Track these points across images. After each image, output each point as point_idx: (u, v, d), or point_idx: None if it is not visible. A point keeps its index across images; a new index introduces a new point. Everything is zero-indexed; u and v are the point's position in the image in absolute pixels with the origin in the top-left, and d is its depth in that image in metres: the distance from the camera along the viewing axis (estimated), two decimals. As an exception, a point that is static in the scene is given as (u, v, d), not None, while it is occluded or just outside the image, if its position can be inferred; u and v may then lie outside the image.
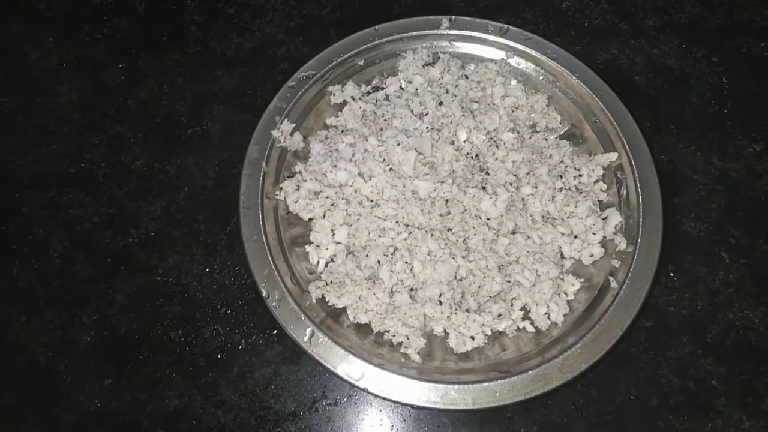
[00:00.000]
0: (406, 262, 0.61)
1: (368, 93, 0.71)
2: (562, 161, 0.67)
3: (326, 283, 0.62)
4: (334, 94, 0.70)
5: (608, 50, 0.80)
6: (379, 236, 0.63)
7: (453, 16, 0.72)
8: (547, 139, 0.69)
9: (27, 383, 0.63)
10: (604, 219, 0.65)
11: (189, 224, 0.70)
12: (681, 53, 0.80)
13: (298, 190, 0.65)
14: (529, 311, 0.62)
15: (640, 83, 0.78)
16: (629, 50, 0.80)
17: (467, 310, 0.61)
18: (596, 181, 0.67)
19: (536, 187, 0.65)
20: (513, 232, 0.64)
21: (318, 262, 0.64)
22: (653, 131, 0.74)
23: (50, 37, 0.81)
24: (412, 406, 0.57)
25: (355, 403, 0.63)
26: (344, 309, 0.62)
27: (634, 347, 0.65)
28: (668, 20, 0.82)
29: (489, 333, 0.61)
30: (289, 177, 0.66)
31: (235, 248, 0.68)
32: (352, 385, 0.57)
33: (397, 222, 0.63)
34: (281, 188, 0.65)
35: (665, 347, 0.65)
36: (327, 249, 0.64)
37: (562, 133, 0.71)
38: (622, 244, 0.62)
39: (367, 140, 0.67)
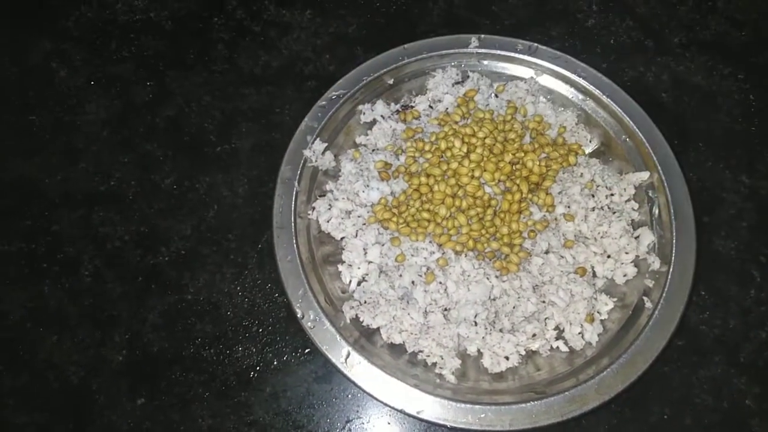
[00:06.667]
0: (440, 282, 0.61)
1: (397, 112, 0.71)
2: (593, 180, 0.67)
3: (360, 303, 0.62)
4: (364, 113, 0.70)
5: (634, 67, 0.80)
6: (412, 255, 0.63)
7: (482, 35, 0.72)
8: (577, 157, 0.69)
9: (59, 403, 0.63)
10: (636, 238, 0.65)
11: (219, 242, 0.70)
12: (707, 70, 0.80)
13: (330, 209, 0.65)
14: (563, 331, 0.62)
15: (667, 101, 0.78)
16: (655, 67, 0.80)
17: (501, 330, 0.61)
18: (628, 201, 0.67)
19: (569, 207, 0.65)
20: (546, 252, 0.64)
21: (350, 282, 0.64)
22: (681, 149, 0.74)
23: (78, 55, 0.81)
24: (446, 427, 0.57)
25: (389, 423, 0.63)
26: (377, 329, 0.62)
27: (666, 366, 0.65)
28: (694, 37, 0.83)
29: (523, 353, 0.61)
30: (320, 196, 0.67)
31: (265, 266, 0.68)
32: (389, 406, 0.57)
33: (430, 242, 0.63)
34: (313, 208, 0.65)
35: (698, 366, 0.65)
36: (359, 268, 0.64)
37: (591, 151, 0.71)
38: (655, 263, 0.62)
39: (398, 159, 0.67)
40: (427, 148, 0.66)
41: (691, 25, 0.83)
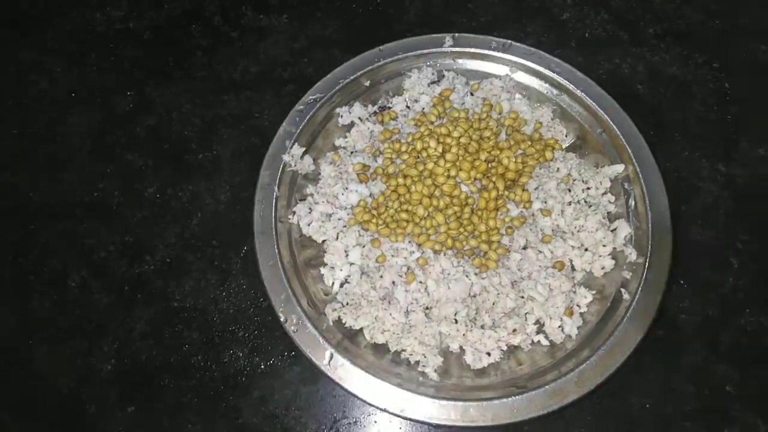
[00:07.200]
0: (420, 282, 0.62)
1: (375, 113, 0.72)
2: (569, 174, 0.68)
3: (342, 305, 0.63)
4: (341, 116, 0.71)
5: (610, 60, 0.81)
6: (393, 256, 0.64)
7: (456, 34, 0.73)
8: (554, 152, 0.70)
9: (51, 414, 0.64)
10: (613, 231, 0.65)
11: (203, 249, 0.71)
12: (682, 60, 0.81)
13: (310, 213, 0.66)
14: (543, 325, 0.63)
15: (643, 92, 0.79)
16: (631, 59, 0.81)
17: (482, 327, 0.62)
18: (604, 194, 0.68)
19: (546, 202, 0.66)
20: (524, 248, 0.64)
21: (333, 284, 0.65)
22: (657, 140, 0.75)
23: (58, 67, 0.82)
24: (431, 425, 0.58)
25: (375, 422, 0.64)
26: (360, 329, 0.63)
27: (647, 356, 0.65)
28: (668, 27, 0.83)
29: (504, 348, 0.62)
30: (301, 200, 0.67)
31: (249, 272, 0.69)
32: (372, 405, 0.58)
33: (409, 241, 0.64)
34: (294, 212, 0.66)
35: (678, 355, 0.66)
36: (341, 270, 0.64)
37: (567, 145, 0.72)
38: (632, 255, 0.63)
39: (376, 161, 0.68)
40: (403, 149, 0.67)
41: (665, 16, 0.84)
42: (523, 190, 0.66)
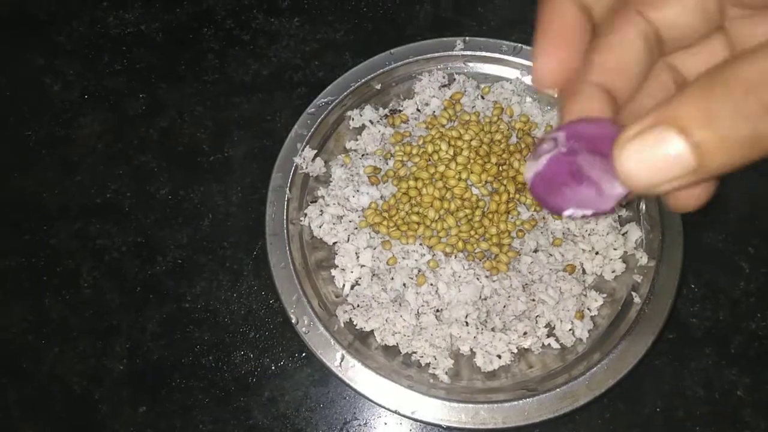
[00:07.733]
0: (431, 284, 0.63)
1: (386, 116, 0.72)
2: (580, 178, 0.68)
3: (353, 307, 0.63)
4: (353, 119, 0.71)
5: (620, 64, 0.81)
6: (403, 258, 0.64)
7: (467, 37, 0.73)
8: (564, 156, 0.70)
9: (63, 414, 0.64)
10: (624, 234, 0.65)
11: (215, 251, 0.71)
12: (692, 64, 0.81)
13: (321, 215, 0.67)
14: (554, 328, 0.63)
15: (653, 95, 0.79)
16: (641, 63, 0.81)
17: (493, 329, 0.62)
18: (615, 197, 0.68)
19: (556, 205, 0.66)
20: (535, 251, 0.65)
21: (344, 285, 0.65)
22: (668, 143, 0.75)
23: (70, 69, 0.82)
24: (442, 427, 0.58)
25: (386, 424, 0.64)
26: (371, 331, 0.63)
27: (658, 360, 0.66)
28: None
29: (515, 351, 0.62)
30: (312, 202, 0.68)
31: (261, 273, 0.70)
32: (383, 407, 0.58)
33: (420, 244, 0.64)
34: (305, 214, 0.66)
35: (689, 359, 0.66)
36: (352, 272, 0.65)
37: (578, 149, 0.72)
38: (643, 259, 0.63)
39: (387, 164, 0.69)
40: (414, 151, 0.67)
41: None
42: (534, 193, 0.66)
